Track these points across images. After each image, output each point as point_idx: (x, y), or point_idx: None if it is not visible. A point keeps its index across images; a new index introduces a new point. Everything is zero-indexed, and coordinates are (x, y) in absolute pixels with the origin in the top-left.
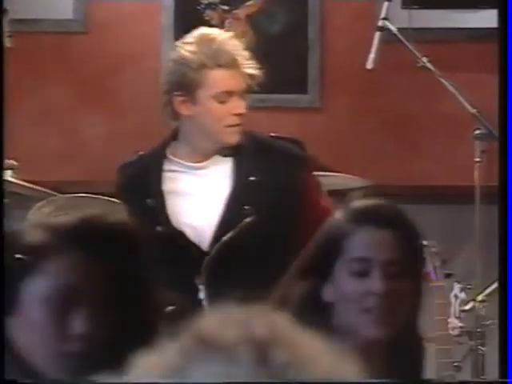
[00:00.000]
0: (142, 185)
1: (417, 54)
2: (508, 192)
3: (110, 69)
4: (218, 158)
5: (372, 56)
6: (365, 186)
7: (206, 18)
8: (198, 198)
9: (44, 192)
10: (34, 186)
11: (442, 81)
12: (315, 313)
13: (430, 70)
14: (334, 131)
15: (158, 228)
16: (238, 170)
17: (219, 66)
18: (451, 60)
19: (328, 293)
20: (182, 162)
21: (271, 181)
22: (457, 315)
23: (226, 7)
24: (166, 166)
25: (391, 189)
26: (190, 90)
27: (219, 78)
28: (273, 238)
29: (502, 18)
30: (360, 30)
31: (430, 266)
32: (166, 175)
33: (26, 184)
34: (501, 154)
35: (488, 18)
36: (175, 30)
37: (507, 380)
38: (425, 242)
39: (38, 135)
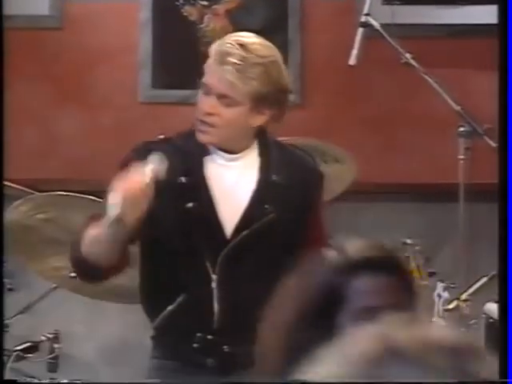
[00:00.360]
0: (174, 163)
1: (400, 50)
2: (508, 190)
3: (87, 65)
4: (248, 151)
5: (355, 52)
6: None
7: (185, 14)
8: (228, 186)
9: (21, 190)
10: (11, 184)
11: (426, 77)
12: None
13: (413, 66)
14: (315, 128)
15: (189, 204)
16: (264, 167)
17: (219, 62)
18: (434, 56)
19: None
20: (214, 148)
21: (290, 185)
22: (440, 315)
23: (205, 2)
24: (203, 148)
25: (374, 186)
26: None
27: (209, 69)
28: (284, 241)
29: (502, 14)
30: (341, 25)
31: (413, 264)
32: (202, 157)
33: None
34: (500, 152)
35: (471, 15)
36: (153, 25)
37: (507, 380)
38: (408, 241)
39: (12, 132)
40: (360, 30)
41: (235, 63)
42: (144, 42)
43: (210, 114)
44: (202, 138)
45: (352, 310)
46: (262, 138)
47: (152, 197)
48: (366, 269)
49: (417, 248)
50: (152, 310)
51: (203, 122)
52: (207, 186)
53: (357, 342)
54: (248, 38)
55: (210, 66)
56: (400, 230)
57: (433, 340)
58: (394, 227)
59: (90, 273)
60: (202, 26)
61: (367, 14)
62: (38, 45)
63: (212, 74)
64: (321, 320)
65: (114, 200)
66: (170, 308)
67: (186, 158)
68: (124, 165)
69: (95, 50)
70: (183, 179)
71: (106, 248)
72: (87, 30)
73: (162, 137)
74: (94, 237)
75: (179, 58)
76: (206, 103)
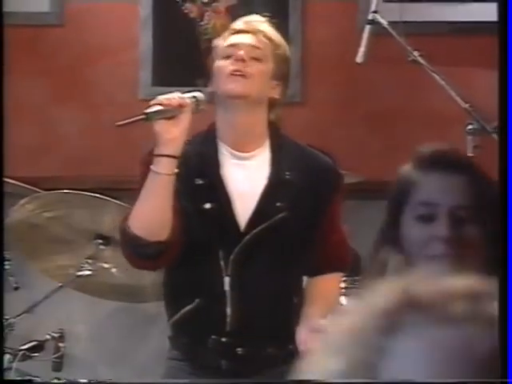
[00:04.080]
0: (191, 165)
1: (408, 48)
2: (508, 188)
3: (87, 62)
4: (260, 150)
5: (362, 50)
6: (357, 181)
7: (185, 11)
8: (242, 185)
9: (24, 188)
10: (14, 182)
11: (434, 75)
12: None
13: (420, 64)
14: (316, 127)
15: (207, 205)
16: (275, 163)
17: (248, 25)
18: (441, 54)
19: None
20: (229, 148)
21: (305, 184)
22: None
23: (205, 0)
24: (218, 148)
25: (380, 185)
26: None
27: (227, 37)
28: (296, 239)
29: (502, 11)
30: (343, 22)
31: None
32: (218, 157)
33: (9, 181)
34: (501, 153)
35: (480, 12)
36: (154, 22)
37: (507, 380)
38: None
39: (12, 129)
40: (367, 28)
41: (269, 27)
42: (144, 40)
43: (243, 61)
44: (237, 86)
45: (412, 204)
46: (275, 136)
47: (189, 120)
48: (435, 167)
49: None
50: (170, 311)
51: (235, 74)
52: (224, 186)
53: (379, 293)
54: (259, 18)
55: (227, 35)
56: None
57: (449, 289)
58: None
59: (143, 251)
60: (202, 23)
61: (375, 12)
62: (38, 42)
63: (235, 37)
64: (392, 222)
65: (154, 108)
66: (184, 310)
67: (202, 160)
68: (143, 164)
69: (95, 48)
70: (200, 180)
71: (155, 205)
72: (87, 27)
73: (187, 139)
74: (141, 196)
75: (180, 55)
76: (238, 55)
